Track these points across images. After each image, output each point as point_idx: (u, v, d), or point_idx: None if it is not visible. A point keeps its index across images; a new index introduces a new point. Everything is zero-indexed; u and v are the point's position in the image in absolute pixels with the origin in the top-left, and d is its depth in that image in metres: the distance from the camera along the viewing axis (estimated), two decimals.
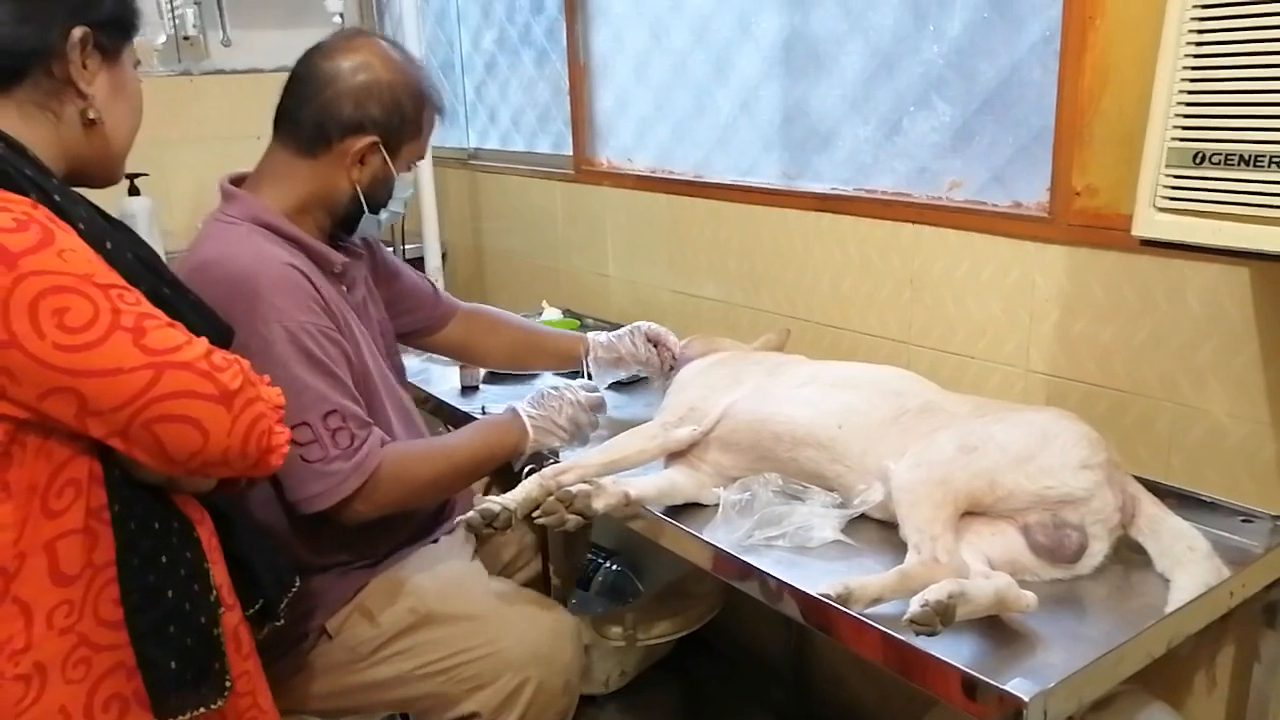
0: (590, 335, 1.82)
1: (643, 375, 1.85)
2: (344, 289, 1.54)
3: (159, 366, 0.94)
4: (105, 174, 1.13)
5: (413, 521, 1.62)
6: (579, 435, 1.58)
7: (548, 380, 1.62)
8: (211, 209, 1.51)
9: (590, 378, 1.75)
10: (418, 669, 1.48)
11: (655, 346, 1.77)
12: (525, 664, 1.47)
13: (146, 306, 0.97)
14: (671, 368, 1.72)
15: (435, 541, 1.63)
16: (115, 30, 1.07)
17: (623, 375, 1.83)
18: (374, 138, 1.47)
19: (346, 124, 1.45)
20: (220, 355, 1.00)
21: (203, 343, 0.99)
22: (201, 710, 1.03)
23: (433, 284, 1.87)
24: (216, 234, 1.44)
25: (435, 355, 2.00)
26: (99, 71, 1.06)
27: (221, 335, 1.10)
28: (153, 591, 1.00)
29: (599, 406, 1.60)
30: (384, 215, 1.58)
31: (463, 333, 1.85)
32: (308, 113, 1.45)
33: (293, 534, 1.48)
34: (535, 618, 1.53)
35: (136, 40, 1.13)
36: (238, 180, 1.52)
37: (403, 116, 1.48)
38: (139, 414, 0.94)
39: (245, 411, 0.99)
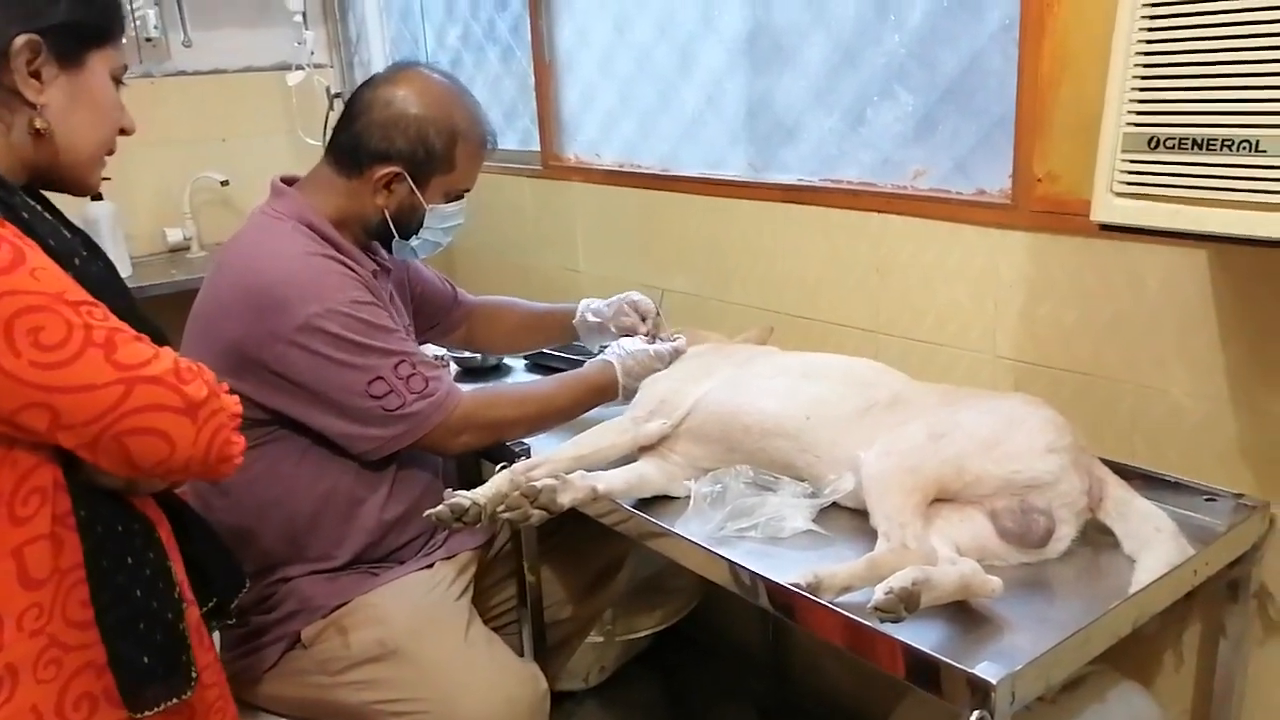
0: (582, 303, 1.88)
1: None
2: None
3: (129, 381, 0.96)
4: (70, 183, 1.11)
5: (405, 533, 1.60)
6: None
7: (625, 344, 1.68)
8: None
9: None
10: (376, 703, 1.47)
11: (643, 318, 1.80)
12: None
13: (115, 321, 0.98)
14: (651, 337, 1.73)
15: (430, 567, 1.60)
16: (74, 37, 1.04)
17: (609, 341, 1.82)
18: (397, 168, 1.53)
19: (374, 153, 1.53)
20: (186, 366, 1.01)
21: (169, 354, 1.01)
22: (174, 701, 1.06)
23: (451, 285, 1.93)
24: (263, 225, 1.54)
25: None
26: (55, 79, 1.03)
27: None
28: (121, 591, 1.02)
29: (680, 353, 1.65)
30: (417, 243, 1.63)
31: (468, 329, 1.95)
32: (346, 137, 1.55)
33: (273, 531, 1.51)
34: (498, 683, 1.48)
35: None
36: (288, 181, 1.60)
37: (429, 151, 1.54)
38: (110, 427, 0.96)
39: (209, 421, 1.02)
